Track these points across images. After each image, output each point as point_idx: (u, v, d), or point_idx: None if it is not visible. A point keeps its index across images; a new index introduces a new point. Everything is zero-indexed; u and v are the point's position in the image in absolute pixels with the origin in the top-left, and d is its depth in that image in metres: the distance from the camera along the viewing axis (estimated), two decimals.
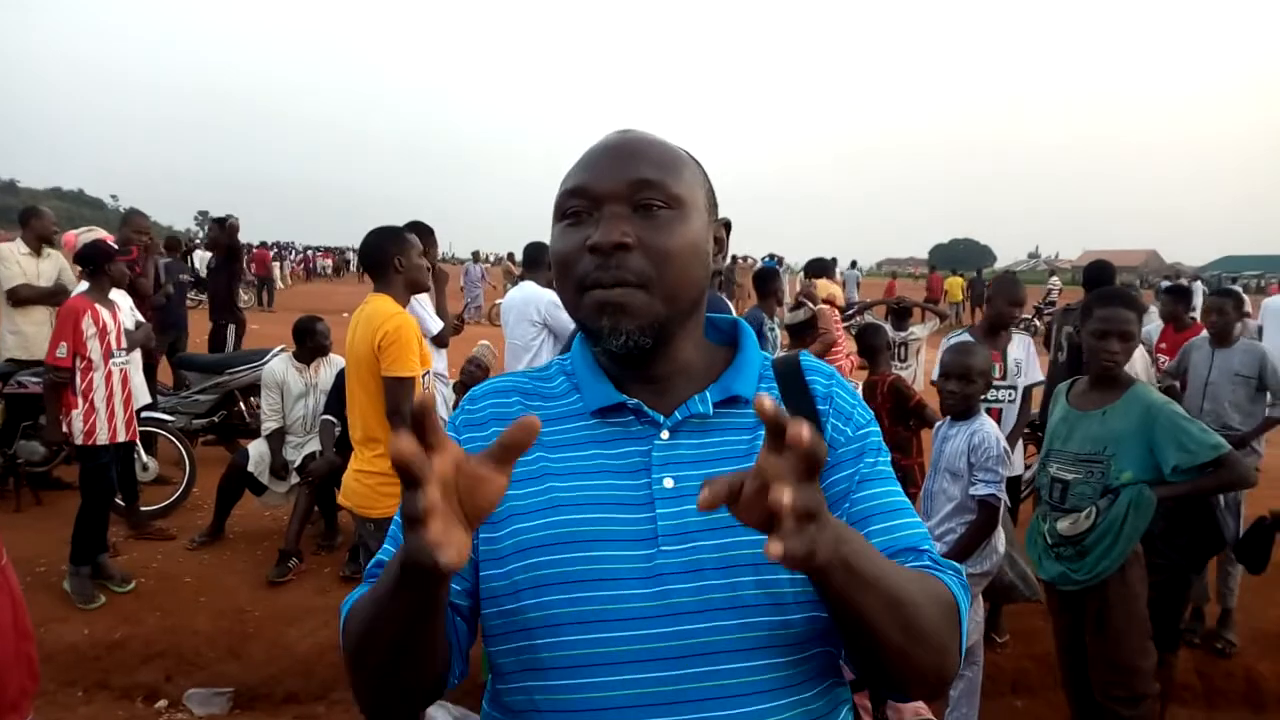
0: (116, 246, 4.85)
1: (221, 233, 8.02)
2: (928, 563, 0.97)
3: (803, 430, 0.68)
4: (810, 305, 5.85)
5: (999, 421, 4.11)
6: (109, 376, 4.54)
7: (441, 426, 0.72)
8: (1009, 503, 3.48)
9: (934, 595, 0.90)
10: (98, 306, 4.56)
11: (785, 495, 0.68)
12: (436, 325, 4.45)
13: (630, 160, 0.98)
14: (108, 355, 4.54)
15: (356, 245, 3.30)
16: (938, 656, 0.90)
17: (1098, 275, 5.31)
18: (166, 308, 7.40)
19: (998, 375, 4.11)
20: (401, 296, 3.36)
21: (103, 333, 4.52)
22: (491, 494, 0.74)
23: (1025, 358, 4.26)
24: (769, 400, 0.70)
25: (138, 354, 5.21)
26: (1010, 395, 4.19)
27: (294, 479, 5.10)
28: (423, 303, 4.31)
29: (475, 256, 27.96)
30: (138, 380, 5.17)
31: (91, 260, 4.67)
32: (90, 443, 4.48)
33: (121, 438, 4.61)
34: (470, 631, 1.02)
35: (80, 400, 4.47)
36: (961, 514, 3.25)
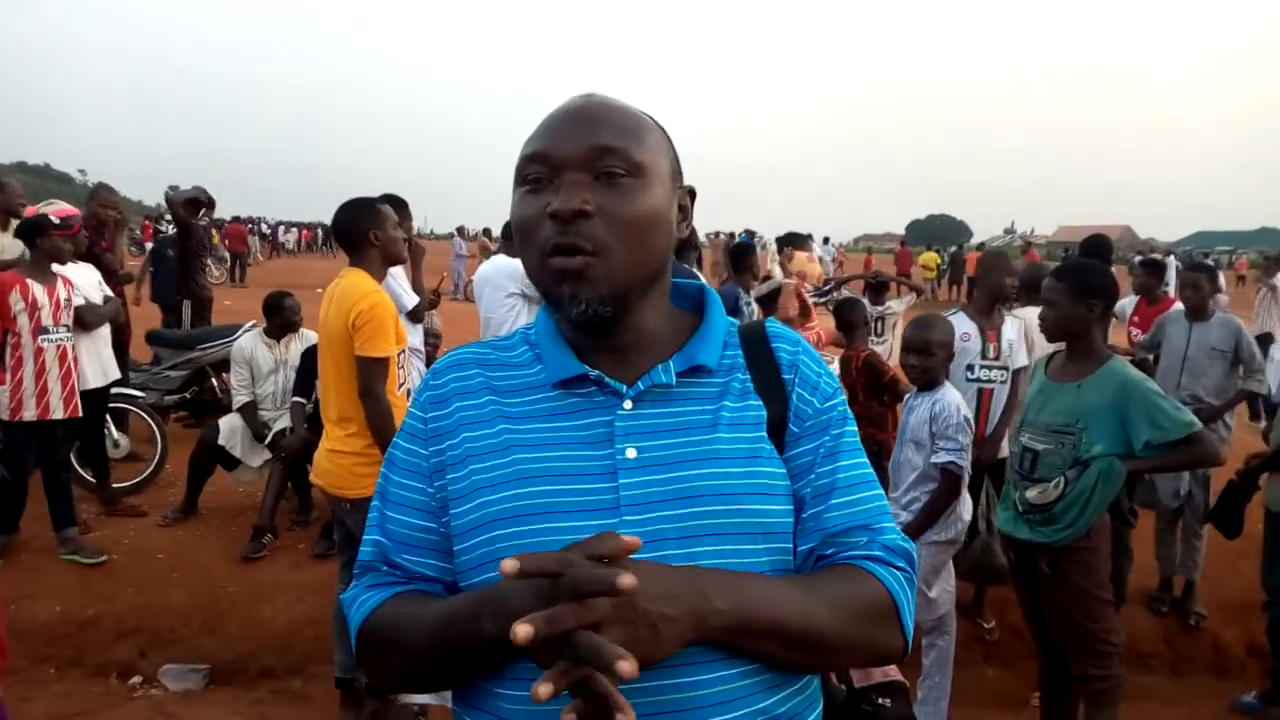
0: (58, 221, 4.73)
1: (184, 209, 7.87)
2: (877, 551, 0.98)
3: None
4: (776, 278, 5.80)
5: (990, 401, 4.13)
6: (39, 352, 4.45)
7: None
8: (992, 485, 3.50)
9: (854, 606, 0.93)
10: (29, 281, 4.46)
11: (519, 628, 0.73)
12: (412, 300, 4.40)
13: (592, 126, 0.96)
14: (37, 331, 4.45)
15: (328, 220, 3.21)
16: (861, 655, 0.96)
17: (1093, 250, 5.36)
18: (165, 283, 7.33)
19: (991, 355, 4.12)
20: (378, 271, 3.31)
21: (32, 308, 4.43)
22: None
23: (1016, 339, 4.25)
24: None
25: (105, 329, 5.11)
26: (1002, 376, 4.15)
27: (266, 455, 5.05)
28: (398, 277, 4.26)
29: (460, 232, 27.47)
30: (106, 355, 5.08)
31: (27, 234, 4.59)
32: (17, 419, 4.42)
33: (57, 415, 4.52)
34: None
35: (9, 376, 4.39)
36: (925, 482, 3.30)
